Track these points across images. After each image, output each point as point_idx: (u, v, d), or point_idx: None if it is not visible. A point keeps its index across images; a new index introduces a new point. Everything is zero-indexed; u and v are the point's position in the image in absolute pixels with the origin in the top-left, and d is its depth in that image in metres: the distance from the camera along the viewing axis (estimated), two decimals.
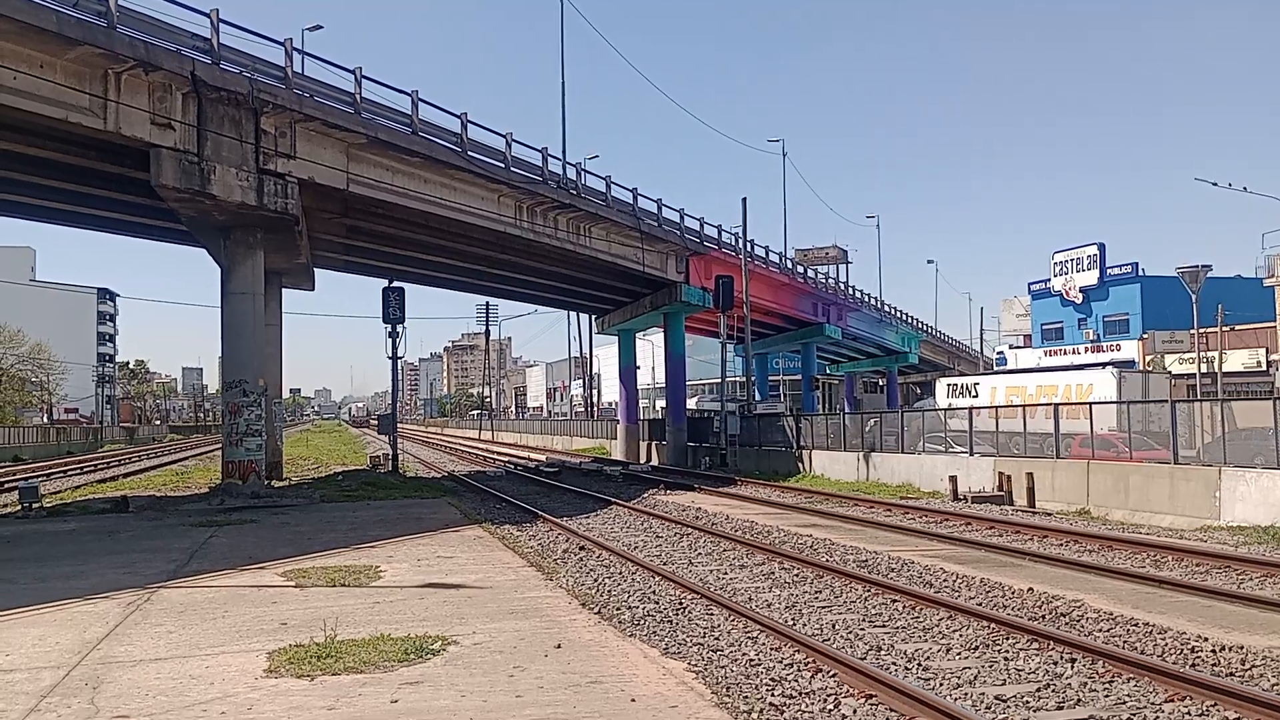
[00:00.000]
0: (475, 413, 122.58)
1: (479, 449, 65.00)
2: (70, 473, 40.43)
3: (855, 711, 7.40)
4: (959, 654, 9.18)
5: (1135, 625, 10.10)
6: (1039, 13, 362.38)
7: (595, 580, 13.40)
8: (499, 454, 57.21)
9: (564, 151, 42.69)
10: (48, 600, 10.83)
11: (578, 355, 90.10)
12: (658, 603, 11.71)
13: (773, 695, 7.80)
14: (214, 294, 25.63)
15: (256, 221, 23.78)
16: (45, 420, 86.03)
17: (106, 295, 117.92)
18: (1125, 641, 9.53)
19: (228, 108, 22.39)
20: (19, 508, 21.93)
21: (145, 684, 7.42)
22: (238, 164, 22.52)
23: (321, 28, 40.08)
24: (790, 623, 10.58)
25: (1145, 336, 59.52)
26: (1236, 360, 50.96)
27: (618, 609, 11.27)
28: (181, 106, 21.66)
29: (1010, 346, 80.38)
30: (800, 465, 33.28)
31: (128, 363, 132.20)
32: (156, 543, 15.90)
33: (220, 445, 27.34)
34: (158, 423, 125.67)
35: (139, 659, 8.23)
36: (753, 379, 48.90)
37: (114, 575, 12.56)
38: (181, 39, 21.77)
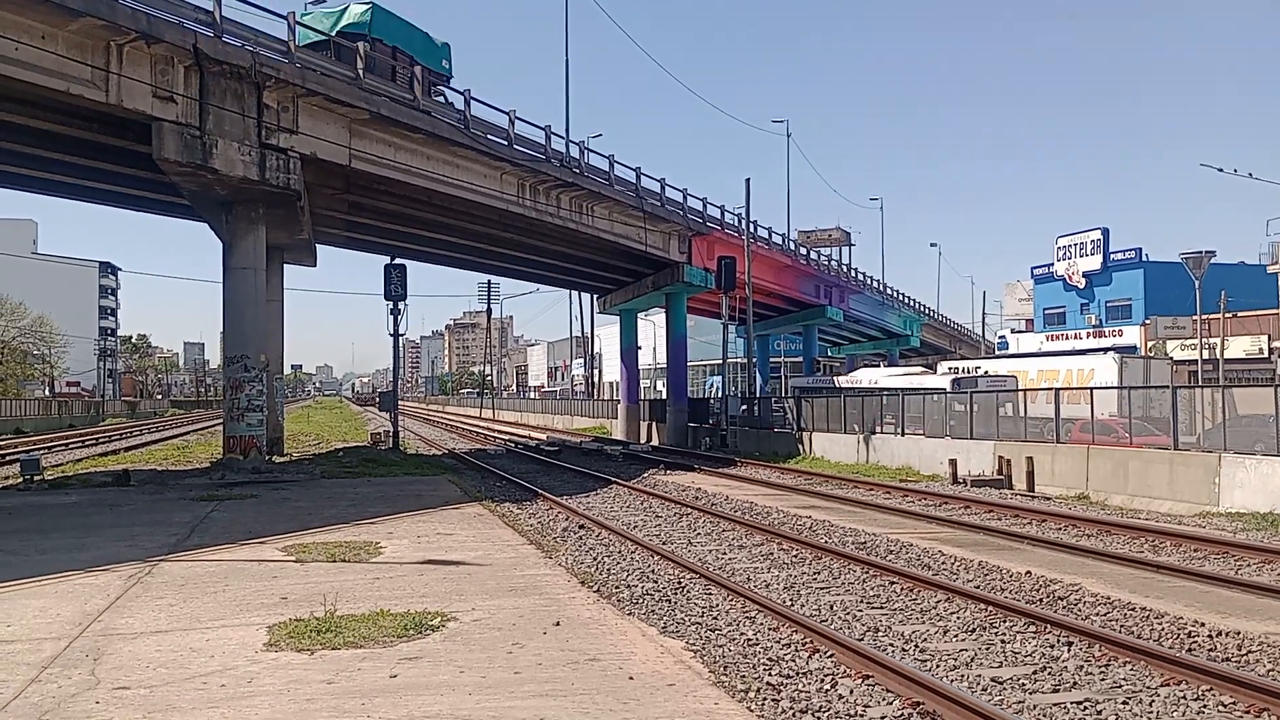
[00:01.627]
0: (463, 390, 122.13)
1: (480, 427, 65.08)
2: (72, 446, 40.51)
3: (852, 692, 7.43)
4: (956, 636, 9.21)
5: (1132, 610, 10.13)
6: (1046, 4, 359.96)
7: (594, 559, 13.45)
8: (500, 432, 57.29)
9: (567, 130, 42.61)
10: (49, 572, 10.87)
11: (579, 335, 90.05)
12: (656, 582, 11.75)
13: (770, 675, 7.84)
14: (216, 269, 25.66)
15: (258, 196, 23.71)
16: (47, 393, 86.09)
17: (108, 269, 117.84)
18: (1122, 625, 9.56)
19: (230, 81, 22.27)
20: (20, 480, 22.00)
21: (146, 656, 7.46)
22: (240, 138, 22.43)
23: (324, 1, 39.79)
24: (788, 603, 10.61)
25: (1148, 322, 59.39)
26: (1239, 347, 50.90)
27: (616, 587, 11.31)
28: (183, 79, 21.55)
29: (1012, 331, 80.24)
30: (800, 447, 33.31)
31: (129, 337, 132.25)
32: (157, 516, 15.94)
33: (221, 420, 27.39)
34: (159, 397, 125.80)
35: (140, 631, 8.27)
36: (754, 360, 48.90)
37: (115, 548, 12.59)
38: (184, 11, 21.64)
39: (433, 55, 30.59)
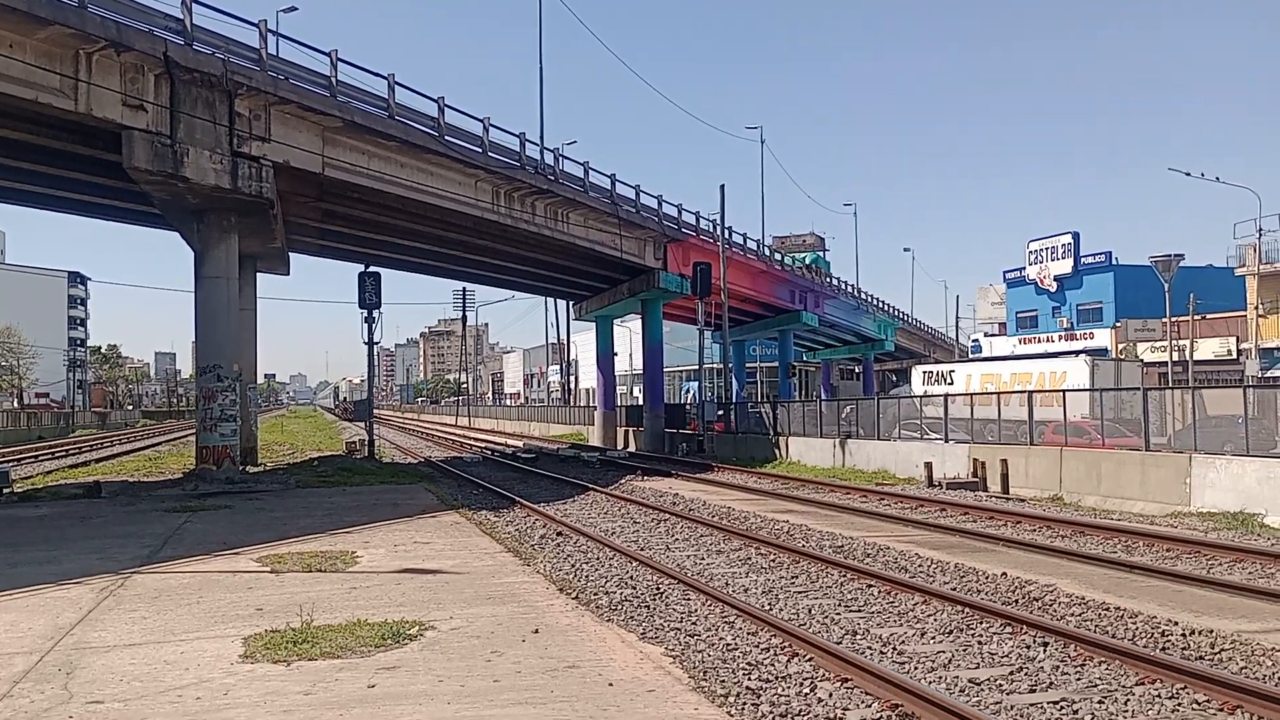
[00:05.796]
0: (421, 399, 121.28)
1: (456, 435, 64.82)
2: (41, 458, 39.96)
3: (831, 695, 7.45)
4: (933, 638, 9.26)
5: (1107, 610, 10.22)
6: (1016, 13, 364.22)
7: (572, 565, 13.41)
8: (476, 440, 57.07)
9: (542, 137, 42.48)
10: (19, 586, 10.72)
11: (555, 341, 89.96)
12: (635, 588, 11.73)
13: (750, 679, 7.85)
14: (187, 278, 25.40)
15: (230, 205, 23.52)
16: (15, 405, 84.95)
17: (78, 279, 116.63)
18: (1097, 626, 9.64)
19: (201, 89, 22.10)
20: None
21: (120, 669, 7.37)
22: (211, 146, 22.26)
23: (296, 9, 39.59)
24: (767, 607, 10.63)
25: (1118, 325, 60.09)
26: (1208, 349, 51.58)
27: (595, 594, 11.28)
28: (154, 88, 21.36)
29: (985, 334, 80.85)
30: (777, 452, 33.40)
31: (99, 347, 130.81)
32: (130, 528, 15.76)
33: (194, 430, 27.13)
34: (130, 408, 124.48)
35: (113, 644, 8.17)
36: (730, 365, 49.01)
37: (87, 561, 12.44)
38: (154, 19, 21.47)
39: (826, 266, 72.73)
